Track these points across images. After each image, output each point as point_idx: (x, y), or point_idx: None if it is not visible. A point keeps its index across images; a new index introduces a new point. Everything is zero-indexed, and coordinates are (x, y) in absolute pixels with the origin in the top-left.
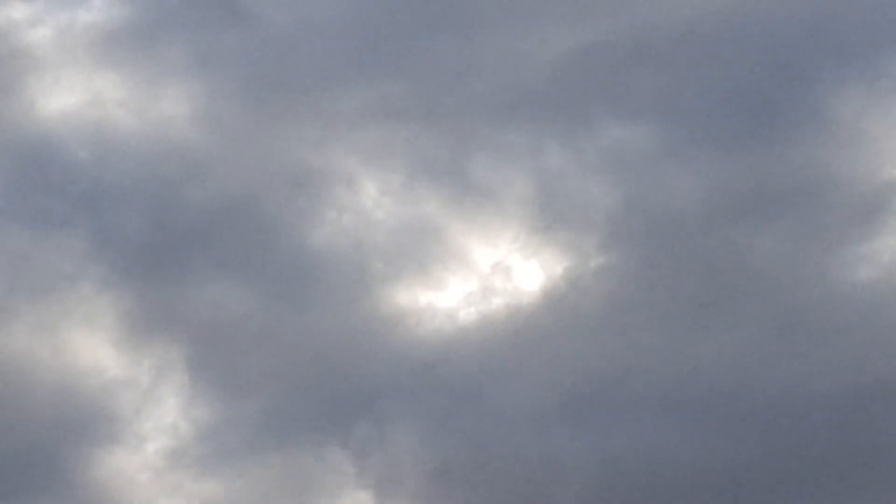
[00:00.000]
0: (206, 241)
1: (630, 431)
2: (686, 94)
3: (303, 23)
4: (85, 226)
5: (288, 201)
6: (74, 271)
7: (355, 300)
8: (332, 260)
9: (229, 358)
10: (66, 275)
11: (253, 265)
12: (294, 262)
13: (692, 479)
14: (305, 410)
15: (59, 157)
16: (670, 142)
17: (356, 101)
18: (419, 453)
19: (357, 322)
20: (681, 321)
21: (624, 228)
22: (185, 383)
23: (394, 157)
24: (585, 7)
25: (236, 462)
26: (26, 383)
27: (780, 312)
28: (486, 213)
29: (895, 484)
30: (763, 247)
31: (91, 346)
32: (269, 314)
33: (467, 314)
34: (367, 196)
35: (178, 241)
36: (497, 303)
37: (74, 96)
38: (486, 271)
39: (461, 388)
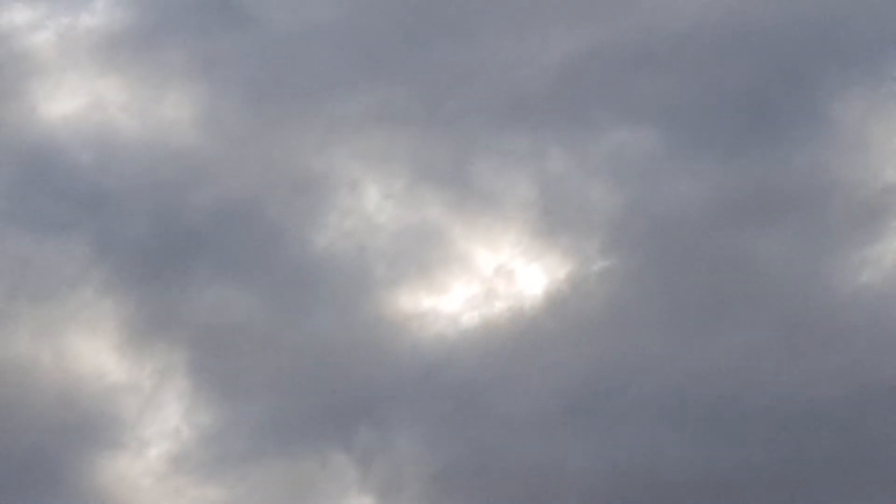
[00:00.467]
0: (208, 246)
1: (634, 436)
2: (689, 97)
3: (305, 26)
4: (87, 230)
5: (290, 205)
6: (76, 275)
7: (358, 304)
8: (334, 264)
9: (232, 362)
10: (67, 279)
11: (255, 269)
12: (297, 267)
13: (696, 484)
14: (308, 415)
15: (60, 161)
16: (673, 145)
17: (358, 105)
18: (422, 458)
19: (360, 326)
20: (684, 325)
21: (627, 232)
22: (187, 388)
23: (396, 161)
24: (588, 10)
25: (239, 467)
26: (28, 388)
27: (784, 316)
28: (489, 216)
29: None
30: (766, 250)
31: (93, 350)
32: (271, 318)
33: (470, 318)
34: (370, 200)
35: (180, 246)
36: (500, 307)
37: (76, 100)
38: (488, 275)
39: (464, 393)
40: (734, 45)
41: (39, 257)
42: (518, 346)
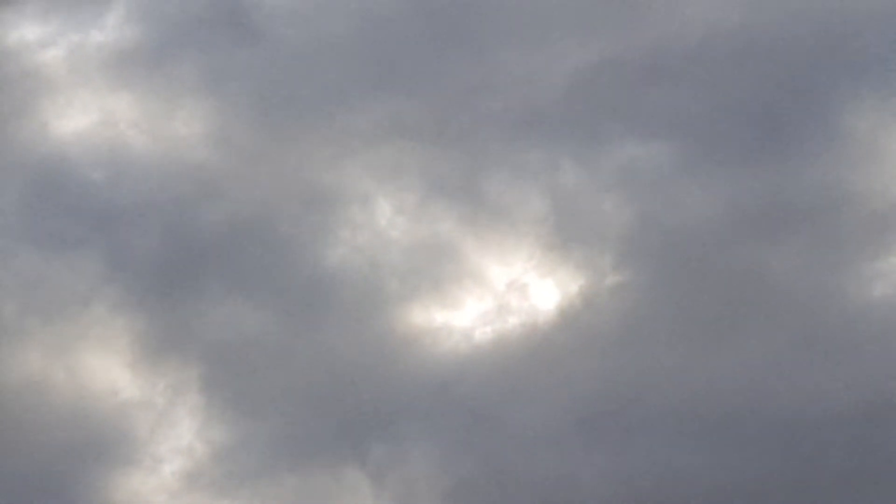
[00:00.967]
0: (220, 261)
1: (647, 450)
2: (700, 110)
3: (315, 41)
4: (98, 247)
5: (302, 220)
6: (88, 293)
7: (370, 319)
8: (346, 279)
9: (244, 378)
10: (79, 296)
11: (267, 285)
12: (309, 282)
13: (710, 497)
14: (321, 431)
15: (71, 177)
16: (685, 159)
17: (370, 120)
18: (436, 473)
19: (372, 341)
20: (697, 338)
21: (639, 246)
22: (200, 404)
23: (408, 175)
24: (598, 24)
25: (253, 483)
26: (40, 405)
27: (797, 329)
28: (501, 231)
29: None
30: (779, 263)
31: (105, 367)
32: (284, 334)
33: (483, 333)
34: (382, 215)
35: (192, 262)
36: (513, 321)
37: (87, 117)
38: (501, 290)
39: (477, 408)
40: (745, 58)
41: (51, 274)
42: (531, 360)
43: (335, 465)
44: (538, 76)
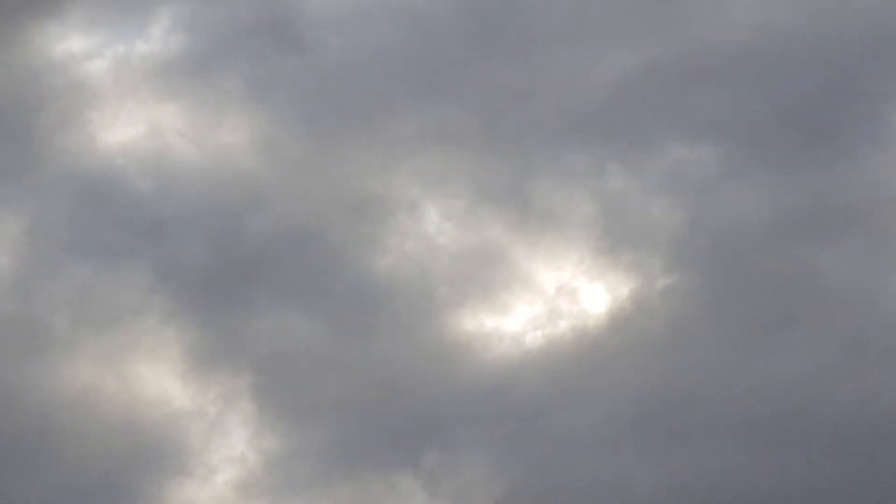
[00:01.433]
0: (269, 270)
1: (698, 453)
2: (747, 112)
3: (360, 49)
4: (148, 257)
5: (350, 228)
6: (138, 303)
7: (421, 326)
8: (396, 286)
9: (296, 387)
10: (130, 307)
11: (317, 293)
12: (358, 290)
13: (760, 501)
14: (374, 438)
15: (120, 189)
16: (732, 161)
17: (416, 127)
18: (489, 479)
19: (423, 348)
20: (747, 341)
21: (688, 249)
22: (252, 413)
23: (455, 181)
24: (644, 26)
25: (306, 492)
26: (93, 416)
27: (846, 331)
28: (550, 235)
29: None
30: (827, 265)
31: (157, 377)
32: (334, 342)
33: (533, 338)
34: (430, 222)
35: (241, 271)
36: (563, 326)
37: (134, 128)
38: (551, 294)
39: (529, 413)
40: (791, 60)
41: (101, 286)
42: (582, 365)
43: (388, 471)
44: (584, 80)
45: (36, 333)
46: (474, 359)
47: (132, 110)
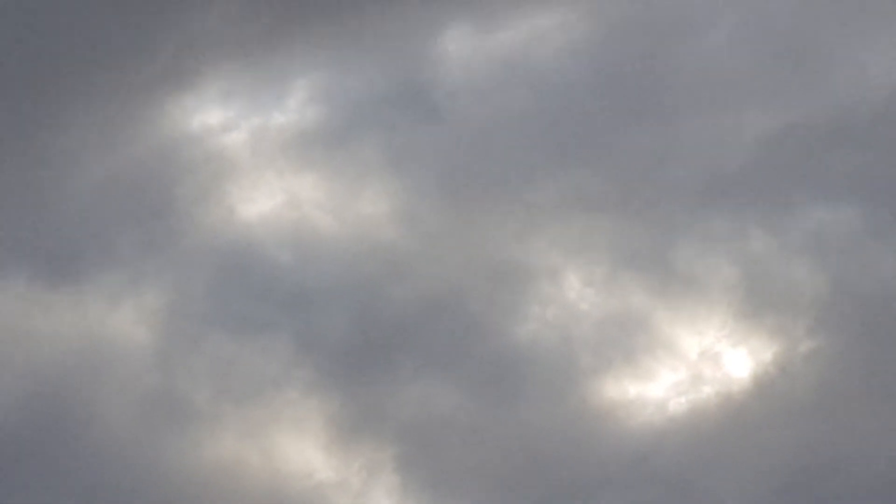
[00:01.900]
0: (410, 340)
1: None
2: (888, 173)
3: (497, 116)
4: (288, 329)
5: (491, 296)
6: (280, 375)
7: (563, 394)
8: (538, 354)
9: (439, 456)
10: (271, 379)
11: (459, 362)
12: (500, 358)
13: None
14: None
15: (259, 260)
16: (874, 222)
17: (555, 193)
18: None
19: (566, 416)
20: (893, 404)
21: (832, 312)
22: (396, 484)
23: (595, 247)
24: (782, 88)
25: None
26: (236, 489)
27: None
28: (692, 300)
29: None
30: None
31: (300, 449)
32: (477, 411)
33: (677, 404)
34: (571, 288)
35: (382, 341)
36: (707, 391)
37: (272, 199)
38: (694, 360)
39: (674, 479)
40: None
41: (243, 358)
42: (727, 430)
43: None
44: (723, 143)
45: (178, 407)
46: (617, 426)
47: (270, 182)
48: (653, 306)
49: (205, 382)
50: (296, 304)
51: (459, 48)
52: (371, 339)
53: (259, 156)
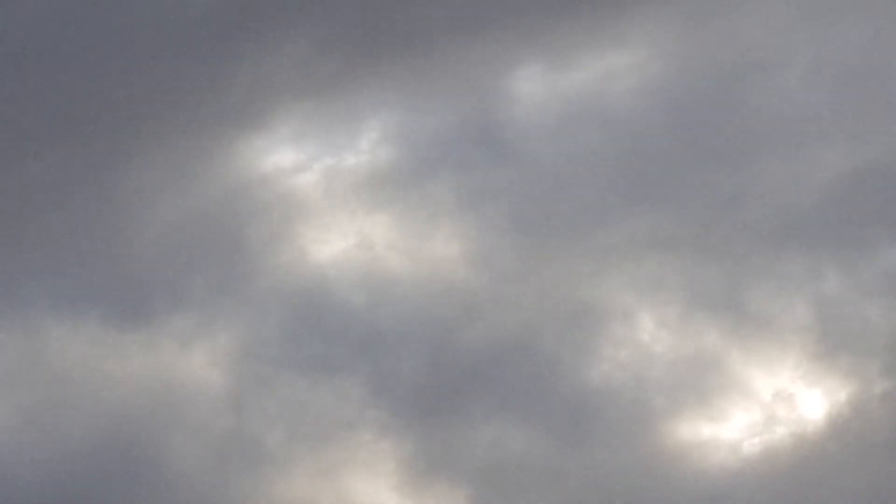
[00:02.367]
0: (483, 381)
1: None
2: None
3: (569, 157)
4: (361, 371)
5: (564, 338)
6: (353, 417)
7: (637, 435)
8: (611, 395)
9: (513, 498)
10: (344, 421)
11: (532, 403)
12: (573, 399)
13: None
14: None
15: (332, 302)
16: None
17: (628, 234)
18: None
19: (640, 457)
20: None
21: None
22: None
23: (669, 288)
24: (856, 127)
25: None
26: None
27: None
28: (766, 341)
29: None
30: None
31: (373, 491)
32: (550, 452)
33: (751, 445)
34: (644, 329)
35: (455, 383)
36: (780, 432)
37: (344, 240)
38: (767, 401)
39: None
40: None
41: (315, 400)
42: (801, 471)
43: None
44: (797, 183)
45: (250, 449)
46: (691, 467)
47: (342, 223)
48: (726, 347)
49: (277, 424)
50: (368, 345)
51: (532, 88)
52: (444, 380)
53: (331, 197)
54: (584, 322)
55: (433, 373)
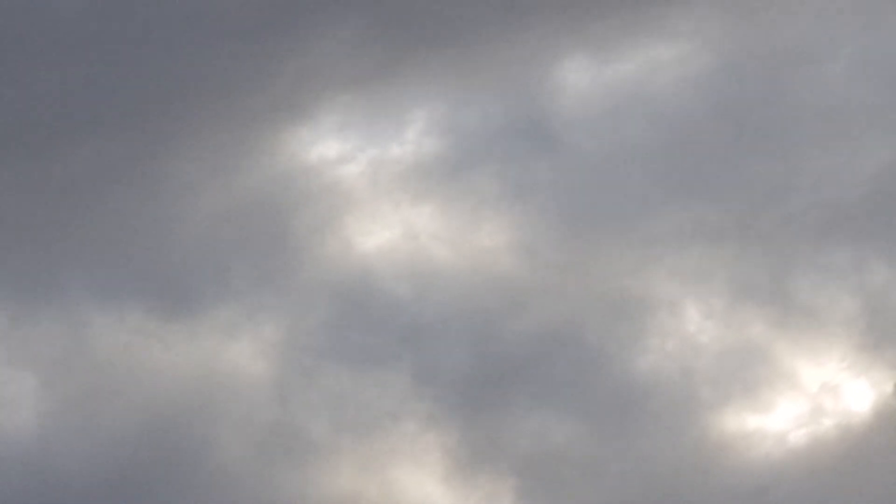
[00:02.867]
0: (528, 372)
1: None
2: None
3: (615, 148)
4: (407, 362)
5: (610, 329)
6: (397, 408)
7: (683, 426)
8: (657, 387)
9: (557, 489)
10: (389, 412)
11: (577, 394)
12: (619, 390)
13: None
14: None
15: (376, 293)
16: None
17: (673, 225)
18: None
19: (686, 448)
20: None
21: None
22: None
23: (715, 279)
24: None
25: None
26: None
27: None
28: (812, 332)
29: None
30: None
31: (418, 482)
32: (595, 443)
33: (797, 436)
34: (690, 320)
35: (500, 374)
36: (827, 424)
37: (389, 231)
38: (814, 392)
39: None
40: None
41: (360, 391)
42: (847, 462)
43: None
44: (843, 174)
45: (295, 440)
46: (737, 459)
47: (387, 214)
48: (773, 338)
49: (322, 416)
50: (413, 336)
51: (577, 79)
52: (489, 371)
53: (376, 187)
54: (629, 313)
55: (478, 364)
